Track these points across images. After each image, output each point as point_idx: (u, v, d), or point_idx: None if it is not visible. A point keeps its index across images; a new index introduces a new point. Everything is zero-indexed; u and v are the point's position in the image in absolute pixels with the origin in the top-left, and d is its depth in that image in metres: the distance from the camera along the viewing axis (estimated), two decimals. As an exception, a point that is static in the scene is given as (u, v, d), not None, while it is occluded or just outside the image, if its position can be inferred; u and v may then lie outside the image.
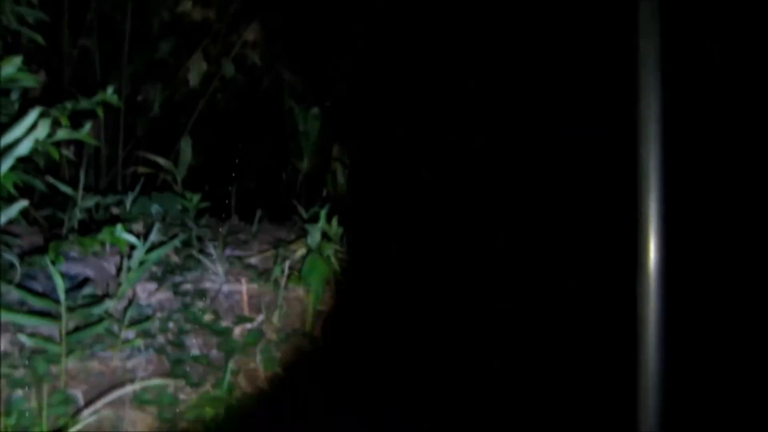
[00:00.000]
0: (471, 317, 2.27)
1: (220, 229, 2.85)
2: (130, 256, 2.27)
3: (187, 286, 2.47)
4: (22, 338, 1.96)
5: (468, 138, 2.39)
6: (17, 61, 2.08)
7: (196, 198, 2.78)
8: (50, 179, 2.50)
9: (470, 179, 2.39)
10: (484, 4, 2.41)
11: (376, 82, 2.51)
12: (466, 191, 2.39)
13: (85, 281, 2.30)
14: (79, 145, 2.71)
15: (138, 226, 2.58)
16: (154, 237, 2.35)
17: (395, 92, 2.49)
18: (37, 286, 2.19)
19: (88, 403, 1.82)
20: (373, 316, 2.32)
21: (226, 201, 3.11)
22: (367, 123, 2.56)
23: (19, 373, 1.86)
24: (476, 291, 2.30)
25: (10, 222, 2.17)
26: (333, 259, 2.53)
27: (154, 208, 2.70)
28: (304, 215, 2.90)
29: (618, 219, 2.15)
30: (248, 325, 2.35)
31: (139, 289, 2.36)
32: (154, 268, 2.48)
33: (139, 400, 1.89)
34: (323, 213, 2.64)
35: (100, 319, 2.10)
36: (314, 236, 2.64)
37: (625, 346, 2.02)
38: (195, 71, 3.15)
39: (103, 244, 2.43)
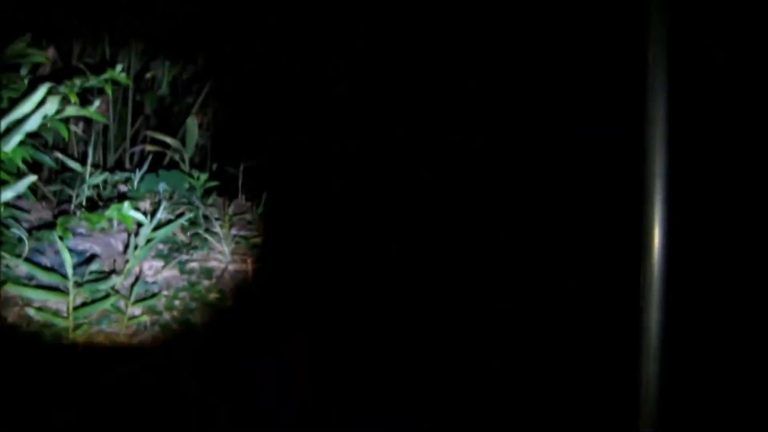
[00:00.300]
0: (471, 317, 2.27)
1: (227, 209, 2.86)
2: (137, 234, 2.28)
3: (193, 265, 2.48)
4: (30, 312, 1.98)
5: (468, 137, 2.38)
6: (26, 37, 2.08)
7: (203, 177, 2.79)
8: (59, 155, 2.51)
9: (470, 179, 2.39)
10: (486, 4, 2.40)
11: (377, 81, 2.50)
12: (467, 191, 2.39)
13: (93, 257, 2.31)
14: (87, 122, 2.71)
15: (145, 204, 2.59)
16: (161, 215, 2.37)
17: (395, 91, 2.48)
18: (46, 261, 2.22)
19: (95, 377, 1.84)
20: (377, 309, 2.32)
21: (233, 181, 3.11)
22: (368, 120, 2.55)
23: (27, 346, 1.89)
24: (476, 290, 2.29)
25: (19, 197, 2.19)
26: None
27: (162, 186, 2.71)
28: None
29: (617, 219, 2.15)
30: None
31: (145, 266, 2.38)
32: (161, 246, 2.49)
33: (145, 376, 1.92)
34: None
35: (107, 295, 2.12)
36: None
37: (625, 346, 2.02)
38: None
39: (110, 220, 2.45)
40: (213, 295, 2.35)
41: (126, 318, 2.09)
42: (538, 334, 2.21)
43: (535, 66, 2.34)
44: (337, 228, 2.55)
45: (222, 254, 2.56)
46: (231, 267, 2.52)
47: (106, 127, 2.75)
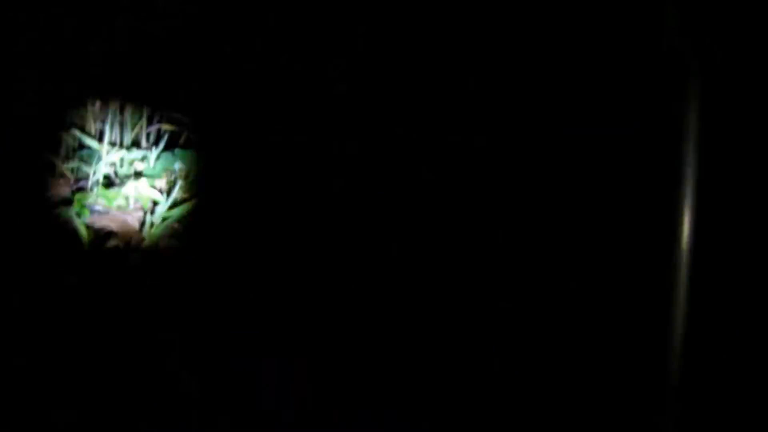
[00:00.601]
0: (471, 317, 2.26)
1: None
2: (153, 212, 2.30)
3: (208, 244, 2.50)
4: (48, 288, 2.01)
5: (468, 137, 2.36)
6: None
7: (218, 156, 2.79)
8: (76, 132, 2.53)
9: (469, 179, 2.37)
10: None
11: (377, 81, 2.47)
12: (466, 191, 2.37)
13: (109, 234, 2.34)
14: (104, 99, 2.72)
15: (161, 182, 2.61)
16: (176, 194, 2.39)
17: (395, 91, 2.46)
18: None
19: (110, 353, 1.87)
20: (377, 309, 2.31)
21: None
22: (368, 120, 2.53)
23: (45, 321, 1.92)
24: (476, 290, 2.28)
25: (37, 174, 2.21)
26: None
27: (178, 165, 2.72)
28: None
29: (618, 219, 2.14)
30: (267, 284, 2.38)
31: (161, 245, 2.40)
32: (177, 225, 2.51)
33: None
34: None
35: (123, 273, 2.15)
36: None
37: (625, 348, 2.02)
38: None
39: (127, 198, 2.47)
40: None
41: (141, 295, 2.12)
42: (539, 335, 2.20)
43: (536, 65, 2.32)
44: (337, 226, 2.54)
45: (236, 234, 2.57)
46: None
47: (122, 105, 2.76)
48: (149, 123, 2.76)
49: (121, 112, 2.69)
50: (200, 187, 2.55)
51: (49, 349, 2.01)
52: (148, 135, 2.80)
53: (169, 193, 2.35)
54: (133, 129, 2.72)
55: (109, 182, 2.55)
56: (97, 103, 2.60)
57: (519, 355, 2.18)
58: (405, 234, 2.37)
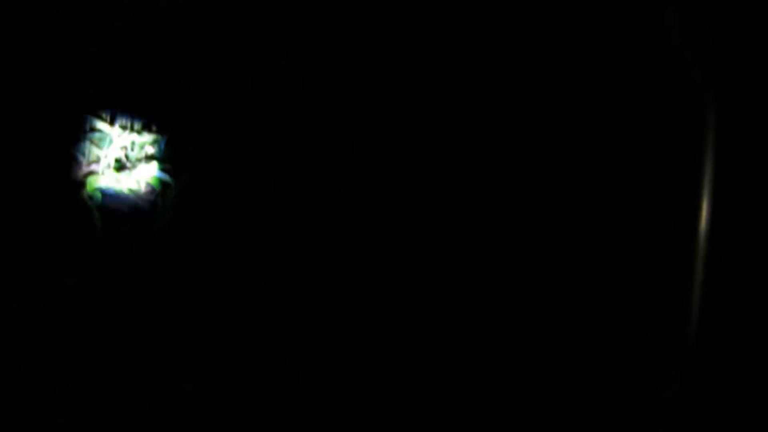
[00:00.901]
0: (471, 317, 2.26)
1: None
2: (164, 195, 2.31)
3: (219, 227, 2.51)
4: (61, 269, 2.03)
5: (468, 137, 2.36)
6: None
7: (229, 140, 2.79)
8: (88, 116, 2.54)
9: (468, 179, 2.37)
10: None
11: (377, 81, 2.48)
12: (464, 190, 2.37)
13: (121, 218, 2.35)
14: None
15: (172, 167, 2.62)
16: (187, 177, 2.39)
17: (396, 91, 2.46)
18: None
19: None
20: (377, 309, 2.31)
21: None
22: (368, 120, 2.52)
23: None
24: (476, 289, 2.28)
25: (50, 157, 2.21)
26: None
27: (188, 149, 2.72)
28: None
29: (619, 220, 2.13)
30: (277, 268, 2.38)
31: (172, 229, 2.41)
32: (186, 210, 2.52)
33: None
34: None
35: (135, 255, 2.16)
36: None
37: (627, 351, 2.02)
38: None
39: (138, 181, 2.48)
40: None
41: (153, 277, 2.13)
42: (539, 335, 2.20)
43: (537, 64, 2.31)
44: (338, 226, 2.54)
45: (247, 218, 2.58)
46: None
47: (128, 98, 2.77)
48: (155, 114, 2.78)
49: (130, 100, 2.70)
50: (205, 180, 2.56)
51: (57, 338, 2.02)
52: (158, 120, 2.81)
53: (179, 177, 2.36)
54: (143, 113, 2.73)
55: (120, 166, 2.56)
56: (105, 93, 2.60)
57: (519, 355, 2.18)
58: (404, 233, 2.38)
